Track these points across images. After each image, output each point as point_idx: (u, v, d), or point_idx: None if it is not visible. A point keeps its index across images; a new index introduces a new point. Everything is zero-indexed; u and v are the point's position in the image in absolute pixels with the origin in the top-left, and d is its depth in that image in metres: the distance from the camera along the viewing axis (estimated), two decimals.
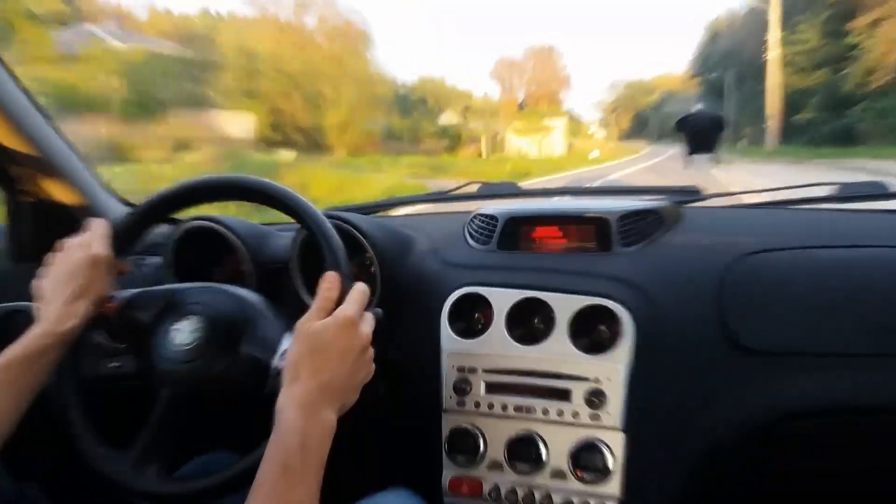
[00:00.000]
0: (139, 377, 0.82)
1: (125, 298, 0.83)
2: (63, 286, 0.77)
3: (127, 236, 0.85)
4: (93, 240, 0.81)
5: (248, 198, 0.83)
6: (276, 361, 0.76)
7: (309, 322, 0.70)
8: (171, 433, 0.77)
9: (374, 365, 0.75)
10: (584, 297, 0.96)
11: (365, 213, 1.27)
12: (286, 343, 0.77)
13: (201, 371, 0.76)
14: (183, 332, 0.77)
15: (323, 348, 0.68)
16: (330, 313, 0.71)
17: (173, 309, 0.81)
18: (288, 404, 0.65)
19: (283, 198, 0.81)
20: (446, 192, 1.46)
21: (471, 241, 1.14)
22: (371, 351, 0.74)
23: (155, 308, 0.81)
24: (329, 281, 0.73)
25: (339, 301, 0.73)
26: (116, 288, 0.85)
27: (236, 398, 0.81)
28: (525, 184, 1.48)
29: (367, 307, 0.94)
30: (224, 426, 0.92)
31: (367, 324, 0.74)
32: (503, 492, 0.95)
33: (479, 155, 27.58)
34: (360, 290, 0.74)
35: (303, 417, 0.64)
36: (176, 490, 0.75)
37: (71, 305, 0.76)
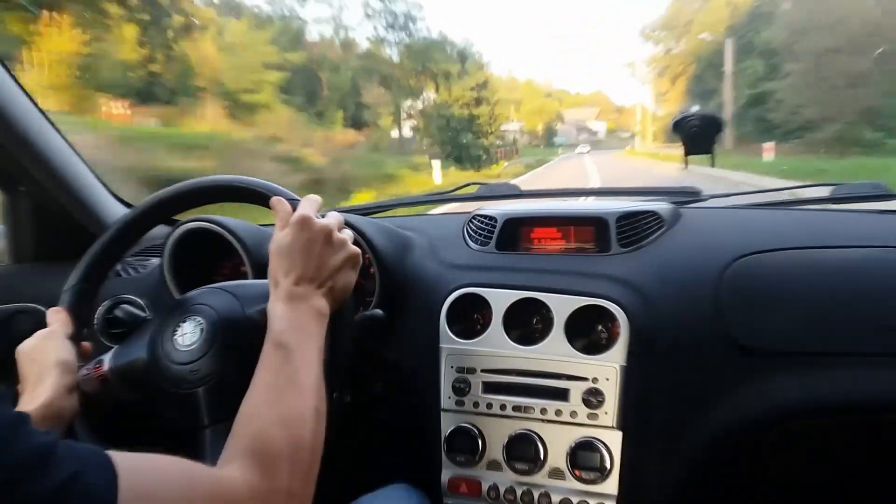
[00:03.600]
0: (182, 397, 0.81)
1: (110, 357, 0.83)
2: (26, 372, 0.78)
3: (80, 301, 0.85)
4: (48, 321, 0.82)
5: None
6: None
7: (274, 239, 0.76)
8: (227, 420, 0.76)
9: (352, 248, 0.77)
10: (581, 297, 0.96)
11: (364, 214, 1.27)
12: None
13: (220, 354, 0.75)
14: (186, 333, 0.78)
15: (287, 251, 0.73)
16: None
17: (168, 324, 0.80)
18: (272, 306, 0.71)
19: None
20: (446, 192, 1.46)
21: (470, 242, 1.15)
22: (341, 236, 0.77)
23: (142, 343, 0.81)
24: (274, 202, 0.77)
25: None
26: (86, 356, 0.84)
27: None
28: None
29: (367, 307, 0.95)
30: None
31: (330, 218, 0.77)
32: (502, 491, 0.96)
33: None
34: (308, 197, 0.79)
35: (286, 307, 0.70)
36: None
37: (38, 386, 0.76)
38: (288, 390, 0.65)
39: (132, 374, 0.81)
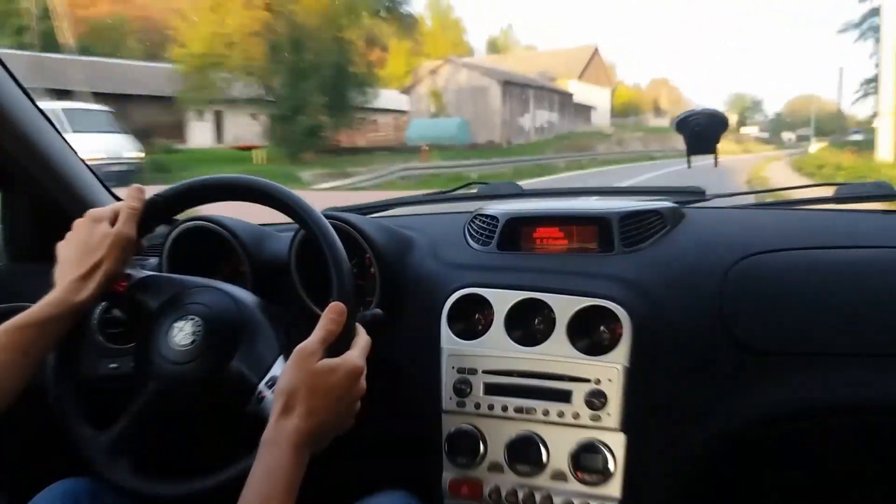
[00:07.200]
0: (138, 377, 0.82)
1: (138, 279, 0.84)
2: (82, 257, 0.77)
3: (152, 219, 0.86)
4: (120, 216, 0.81)
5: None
6: (262, 386, 0.76)
7: (311, 353, 0.69)
8: (147, 426, 0.78)
9: (357, 407, 0.75)
10: (584, 298, 0.95)
11: (364, 214, 1.27)
12: (277, 369, 0.77)
13: (191, 375, 0.76)
14: (183, 332, 0.77)
15: (325, 390, 0.68)
16: (329, 343, 0.71)
17: (177, 305, 0.81)
18: (282, 440, 0.65)
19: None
20: (446, 191, 1.45)
21: (471, 242, 1.14)
22: (359, 405, 0.74)
23: (163, 296, 0.82)
24: (336, 312, 0.73)
25: (342, 333, 0.73)
26: (133, 266, 0.85)
27: (215, 410, 0.82)
28: (526, 184, 1.48)
29: (367, 307, 0.94)
30: (196, 434, 0.93)
31: (363, 380, 0.74)
32: (503, 493, 0.95)
33: None
34: (367, 340, 0.76)
35: (295, 459, 0.64)
36: (146, 490, 0.75)
37: (86, 278, 0.76)
38: None
39: (136, 310, 0.83)
